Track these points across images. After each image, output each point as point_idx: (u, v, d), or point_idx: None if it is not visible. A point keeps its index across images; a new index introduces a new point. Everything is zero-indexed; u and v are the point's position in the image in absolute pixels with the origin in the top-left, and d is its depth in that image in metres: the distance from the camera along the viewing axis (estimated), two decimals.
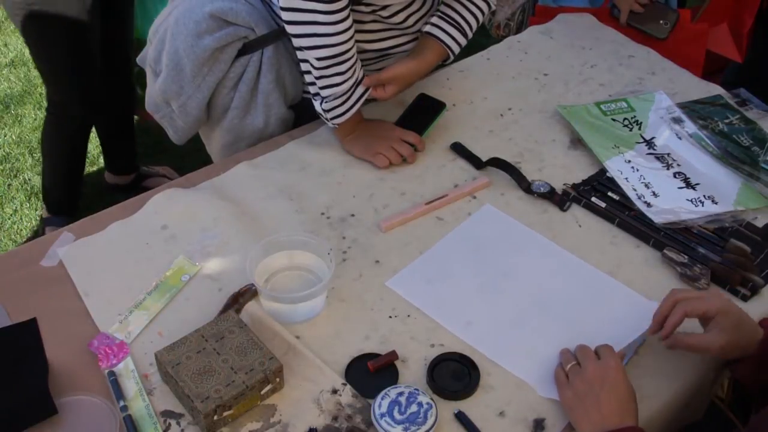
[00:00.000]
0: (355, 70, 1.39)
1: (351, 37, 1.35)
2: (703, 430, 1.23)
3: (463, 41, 1.50)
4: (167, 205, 1.34)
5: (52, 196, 2.39)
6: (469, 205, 1.39)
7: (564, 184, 1.43)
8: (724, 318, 1.04)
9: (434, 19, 1.49)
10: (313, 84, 1.40)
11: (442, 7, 1.49)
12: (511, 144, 1.53)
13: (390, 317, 1.18)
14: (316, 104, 1.43)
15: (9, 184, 2.62)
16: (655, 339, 1.15)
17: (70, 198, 2.41)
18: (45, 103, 2.95)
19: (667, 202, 1.38)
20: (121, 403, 1.03)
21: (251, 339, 1.06)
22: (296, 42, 1.35)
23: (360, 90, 1.43)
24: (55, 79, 2.13)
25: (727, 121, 1.57)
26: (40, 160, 2.71)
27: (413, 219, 1.35)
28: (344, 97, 1.41)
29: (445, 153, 1.50)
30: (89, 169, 2.69)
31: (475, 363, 1.10)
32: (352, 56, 1.37)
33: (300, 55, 1.37)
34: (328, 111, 1.42)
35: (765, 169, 1.44)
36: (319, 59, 1.34)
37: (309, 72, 1.39)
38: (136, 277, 1.22)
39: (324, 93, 1.39)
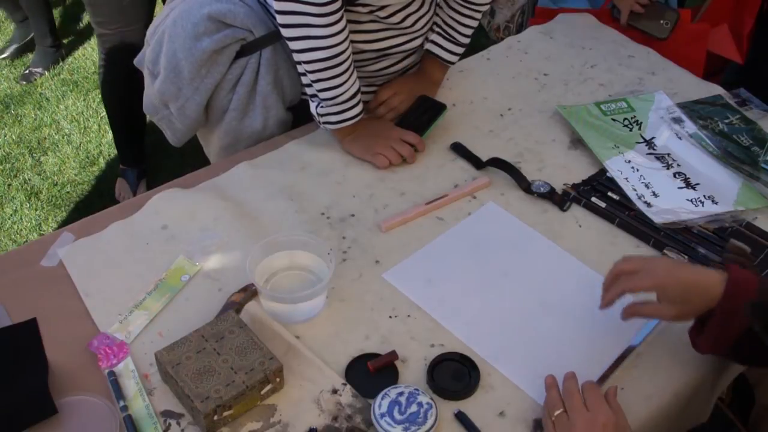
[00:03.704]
0: (351, 74, 1.39)
1: (345, 39, 1.34)
2: (703, 430, 1.22)
3: (459, 50, 1.57)
4: (167, 205, 1.34)
5: (120, 147, 2.60)
6: (469, 205, 1.39)
7: (564, 184, 1.43)
8: (665, 292, 1.04)
9: (433, 36, 1.55)
10: (310, 86, 1.40)
11: (438, 20, 1.54)
12: (511, 144, 1.53)
13: (390, 317, 1.18)
14: (312, 106, 1.44)
15: (9, 184, 2.62)
16: (656, 339, 1.15)
17: (136, 148, 2.59)
18: (45, 103, 2.96)
19: (667, 202, 1.38)
20: (121, 403, 1.03)
21: (251, 339, 1.06)
22: (291, 45, 1.35)
23: (356, 110, 1.44)
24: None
25: (727, 121, 1.57)
26: (40, 160, 2.71)
27: (413, 219, 1.35)
28: (340, 107, 1.41)
29: (445, 153, 1.50)
30: (89, 169, 2.69)
31: (475, 363, 1.10)
32: (347, 58, 1.36)
33: (296, 57, 1.37)
34: (322, 116, 1.42)
35: (765, 169, 1.44)
36: (313, 62, 1.34)
37: (305, 74, 1.39)
38: (136, 277, 1.22)
39: (321, 96, 1.39)
